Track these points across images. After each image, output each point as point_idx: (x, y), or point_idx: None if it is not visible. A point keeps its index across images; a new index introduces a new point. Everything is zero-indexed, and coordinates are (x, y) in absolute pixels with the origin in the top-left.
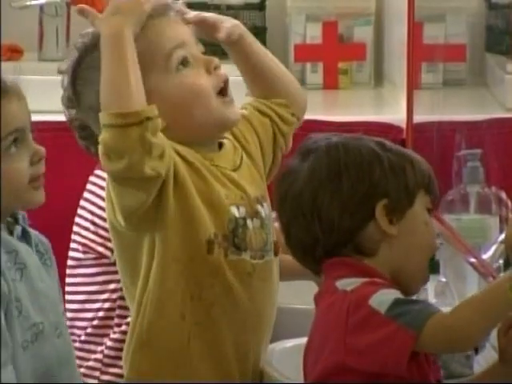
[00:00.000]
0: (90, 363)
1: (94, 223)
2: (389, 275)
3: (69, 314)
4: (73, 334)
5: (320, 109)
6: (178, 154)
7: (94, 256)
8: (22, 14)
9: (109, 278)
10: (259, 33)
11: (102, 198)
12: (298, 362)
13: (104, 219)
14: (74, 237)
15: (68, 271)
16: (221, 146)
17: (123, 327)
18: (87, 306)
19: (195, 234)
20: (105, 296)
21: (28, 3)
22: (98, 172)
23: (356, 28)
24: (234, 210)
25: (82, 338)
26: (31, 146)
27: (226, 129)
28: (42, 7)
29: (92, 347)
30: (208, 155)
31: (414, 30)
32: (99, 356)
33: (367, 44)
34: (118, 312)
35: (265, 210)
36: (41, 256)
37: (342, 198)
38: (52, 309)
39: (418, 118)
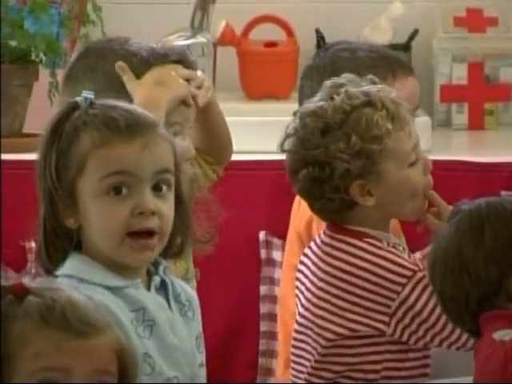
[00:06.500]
0: None
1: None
2: None
3: None
4: None
5: (465, 149)
6: None
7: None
8: None
9: None
10: None
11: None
12: None
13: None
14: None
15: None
16: None
17: None
18: None
19: None
20: None
21: (174, 43)
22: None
23: (502, 69)
24: None
25: None
26: (140, 198)
27: None
28: (188, 47)
29: None
30: None
31: None
32: None
33: None
34: None
35: None
36: (181, 307)
37: (485, 248)
38: (187, 362)
39: None
